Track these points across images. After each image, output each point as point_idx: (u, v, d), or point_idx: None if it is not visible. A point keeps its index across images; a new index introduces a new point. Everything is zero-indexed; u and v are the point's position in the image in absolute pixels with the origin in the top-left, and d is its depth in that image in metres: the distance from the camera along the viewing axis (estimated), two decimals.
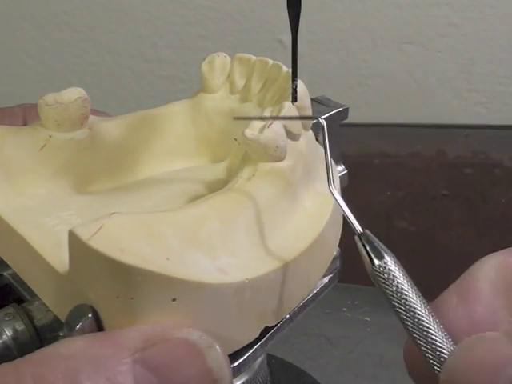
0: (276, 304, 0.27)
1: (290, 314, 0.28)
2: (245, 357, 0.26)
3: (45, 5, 0.80)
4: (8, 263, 0.29)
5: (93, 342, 0.21)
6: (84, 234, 0.22)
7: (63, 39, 0.82)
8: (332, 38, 0.80)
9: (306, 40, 0.79)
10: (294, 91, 0.28)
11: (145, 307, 0.22)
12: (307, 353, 0.53)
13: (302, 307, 0.29)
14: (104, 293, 0.22)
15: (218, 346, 0.22)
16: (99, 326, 0.23)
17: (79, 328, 0.22)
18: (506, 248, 0.24)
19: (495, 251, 0.24)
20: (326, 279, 0.31)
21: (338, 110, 0.35)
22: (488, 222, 0.78)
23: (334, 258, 0.31)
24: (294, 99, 0.28)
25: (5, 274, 0.29)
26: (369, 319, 0.58)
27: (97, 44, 0.82)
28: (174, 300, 0.22)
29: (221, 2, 0.80)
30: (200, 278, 0.23)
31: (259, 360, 0.32)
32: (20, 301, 0.27)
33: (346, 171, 0.36)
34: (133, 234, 0.22)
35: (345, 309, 0.59)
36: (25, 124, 0.36)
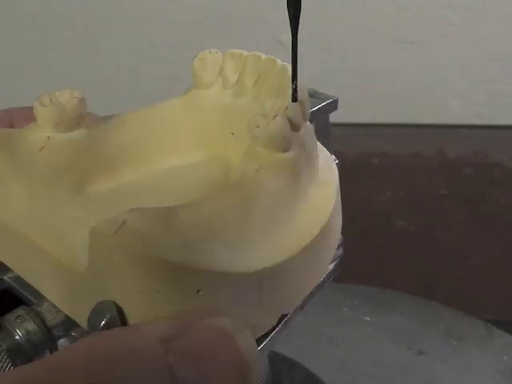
0: (292, 291, 0.27)
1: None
2: (262, 345, 0.26)
3: (45, 5, 0.80)
4: (10, 266, 0.28)
5: (122, 334, 0.21)
6: (108, 230, 0.22)
7: (63, 39, 0.82)
8: (332, 37, 0.80)
9: (306, 40, 0.79)
10: (294, 91, 0.28)
11: (170, 300, 0.22)
12: (307, 353, 0.53)
13: (311, 295, 0.29)
14: (129, 288, 0.22)
15: (248, 331, 0.22)
16: (123, 323, 0.23)
17: (104, 325, 0.22)
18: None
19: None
20: (332, 266, 0.31)
21: (328, 101, 0.36)
22: (488, 221, 0.78)
23: (338, 245, 0.31)
24: (294, 99, 0.28)
25: (5, 277, 0.29)
26: (369, 319, 0.58)
27: (97, 44, 0.82)
28: (198, 291, 0.23)
29: (221, 2, 0.80)
30: (222, 268, 0.23)
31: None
32: (23, 304, 0.27)
33: (336, 161, 0.36)
34: (154, 227, 0.22)
35: (345, 309, 0.59)
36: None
